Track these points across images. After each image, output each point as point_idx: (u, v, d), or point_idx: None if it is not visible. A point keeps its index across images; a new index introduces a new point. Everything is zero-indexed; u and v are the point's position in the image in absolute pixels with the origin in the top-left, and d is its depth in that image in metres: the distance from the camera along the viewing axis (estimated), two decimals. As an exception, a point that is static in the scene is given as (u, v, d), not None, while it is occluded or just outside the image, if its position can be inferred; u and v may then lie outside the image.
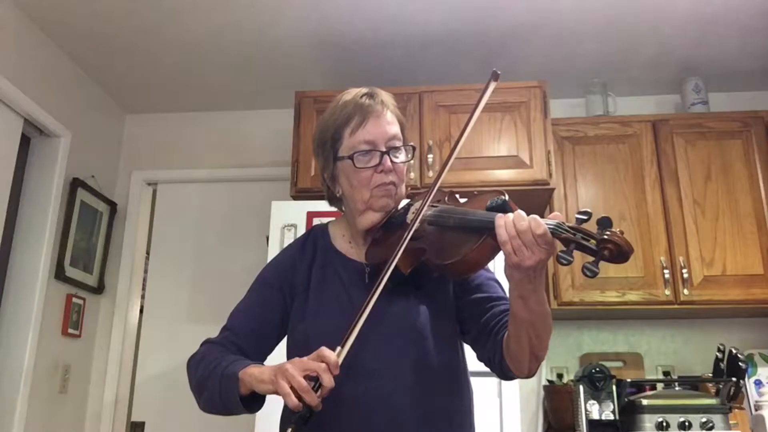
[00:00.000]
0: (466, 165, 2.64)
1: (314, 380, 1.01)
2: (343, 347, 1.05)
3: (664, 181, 2.76)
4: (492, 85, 1.15)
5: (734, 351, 2.42)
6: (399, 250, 1.10)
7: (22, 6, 2.64)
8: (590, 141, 2.85)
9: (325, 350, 1.03)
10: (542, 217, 1.00)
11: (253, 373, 1.10)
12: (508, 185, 2.55)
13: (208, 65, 3.06)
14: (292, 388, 1.00)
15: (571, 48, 2.90)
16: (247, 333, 1.25)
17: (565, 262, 0.95)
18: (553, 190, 2.66)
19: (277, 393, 1.03)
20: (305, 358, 1.04)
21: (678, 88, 3.11)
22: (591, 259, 0.94)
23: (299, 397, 1.00)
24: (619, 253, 0.92)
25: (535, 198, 2.67)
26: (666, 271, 2.63)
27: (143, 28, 2.78)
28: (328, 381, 1.01)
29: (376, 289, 1.07)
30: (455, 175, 2.59)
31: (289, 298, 1.28)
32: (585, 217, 0.97)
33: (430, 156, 2.66)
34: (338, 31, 2.79)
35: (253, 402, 1.13)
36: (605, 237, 0.93)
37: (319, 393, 1.01)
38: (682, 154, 2.80)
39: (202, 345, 1.27)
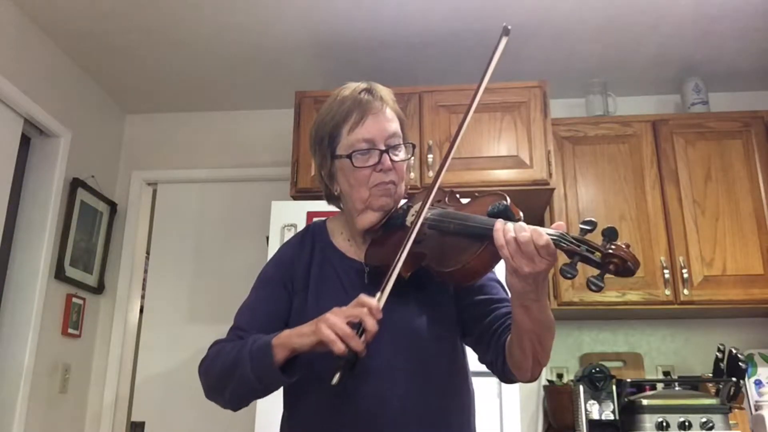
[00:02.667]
0: (466, 165, 2.64)
1: (356, 327, 1.01)
2: (382, 293, 1.04)
3: (664, 181, 2.76)
4: (503, 41, 1.11)
5: (734, 351, 2.42)
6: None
7: (22, 6, 2.64)
8: (590, 141, 2.85)
9: (364, 297, 1.03)
10: (543, 218, 0.99)
11: (289, 333, 1.08)
12: (508, 185, 2.55)
13: (208, 65, 3.06)
14: (336, 335, 1.00)
15: (571, 48, 2.90)
16: (257, 330, 1.22)
17: (569, 275, 0.92)
18: (553, 190, 2.66)
19: (320, 344, 1.02)
20: (344, 307, 1.04)
21: (678, 88, 3.11)
22: (596, 271, 0.92)
23: (345, 344, 1.00)
24: (625, 267, 0.90)
25: (535, 198, 2.67)
26: (666, 271, 2.63)
27: (143, 28, 2.78)
28: (371, 325, 1.00)
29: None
30: (455, 175, 2.59)
31: (292, 293, 1.26)
32: (589, 228, 0.94)
33: (430, 156, 2.66)
34: (338, 31, 2.79)
35: (289, 370, 1.10)
36: (610, 251, 0.90)
37: (363, 338, 1.00)
38: (682, 154, 2.80)
39: (211, 346, 1.24)
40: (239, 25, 2.75)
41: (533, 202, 2.69)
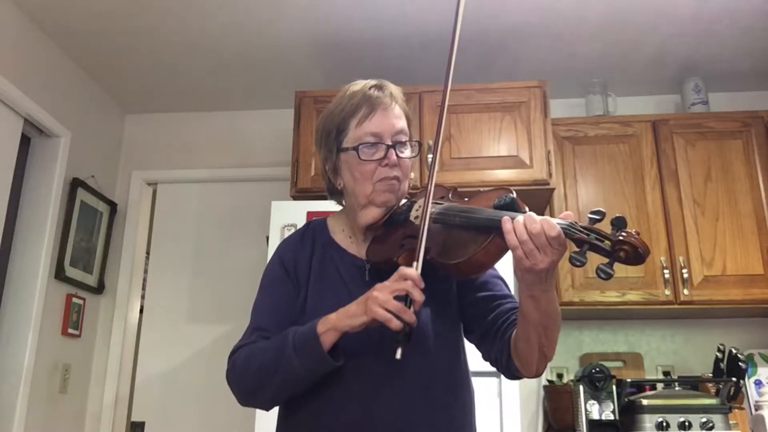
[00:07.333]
0: (466, 165, 2.65)
1: (402, 299, 1.03)
2: (417, 261, 1.06)
3: (664, 181, 2.76)
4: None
5: (734, 351, 2.42)
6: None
7: (22, 6, 2.64)
8: (590, 141, 2.85)
9: (404, 269, 1.05)
10: (541, 216, 0.99)
11: (336, 317, 1.08)
12: (508, 185, 2.55)
13: (209, 65, 3.06)
14: (389, 312, 1.02)
15: (571, 48, 2.90)
16: (277, 329, 1.21)
17: (578, 263, 0.93)
18: (553, 190, 2.66)
19: (372, 322, 1.04)
20: (386, 282, 1.05)
21: (678, 88, 3.11)
22: (605, 260, 0.92)
23: (400, 319, 1.01)
24: (635, 254, 0.90)
25: (535, 198, 2.67)
26: (666, 271, 2.63)
27: (143, 28, 2.78)
28: (419, 296, 1.03)
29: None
30: (455, 175, 2.60)
31: (298, 287, 1.26)
32: (598, 217, 0.95)
33: (430, 156, 2.66)
34: (338, 30, 2.79)
35: (335, 355, 1.10)
36: (620, 238, 0.90)
37: (412, 309, 1.02)
38: (682, 154, 2.80)
39: (235, 352, 1.21)
40: (239, 25, 2.75)
41: (533, 202, 2.69)
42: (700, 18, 2.67)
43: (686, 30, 2.75)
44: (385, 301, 1.02)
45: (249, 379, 1.16)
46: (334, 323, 1.08)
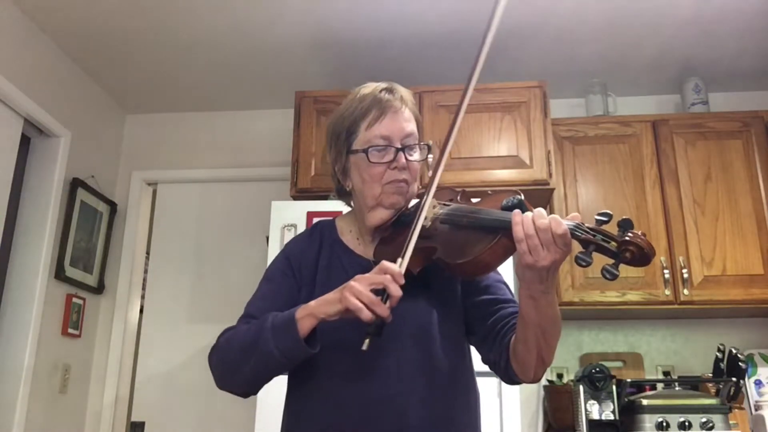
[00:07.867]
0: (466, 165, 2.65)
1: (380, 293, 1.03)
2: (403, 258, 1.06)
3: (664, 181, 2.76)
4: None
5: (734, 351, 2.42)
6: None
7: (21, 6, 2.64)
8: (590, 141, 2.85)
9: (386, 263, 1.05)
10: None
11: (315, 304, 1.09)
12: (508, 185, 2.55)
13: (209, 65, 3.06)
14: (362, 303, 1.02)
15: (571, 48, 2.90)
16: None
17: (584, 263, 0.94)
18: (553, 190, 2.66)
19: (346, 311, 1.04)
20: (367, 274, 1.06)
21: (678, 88, 3.11)
22: (611, 261, 0.93)
23: (371, 311, 1.02)
24: (641, 255, 0.90)
25: (535, 198, 2.67)
26: (666, 271, 2.63)
27: (143, 28, 2.78)
28: (395, 291, 1.02)
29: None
30: (455, 175, 2.60)
31: (300, 284, 1.26)
32: (605, 219, 0.95)
33: (430, 156, 2.65)
34: (338, 31, 2.79)
35: (312, 342, 1.10)
36: (626, 239, 0.91)
37: (388, 304, 1.03)
38: (682, 154, 2.80)
39: (222, 334, 1.23)
40: (239, 25, 2.75)
41: (533, 202, 2.65)
42: (700, 18, 2.67)
43: (686, 30, 2.75)
44: (360, 291, 1.03)
45: (227, 358, 1.18)
46: (312, 309, 1.09)
